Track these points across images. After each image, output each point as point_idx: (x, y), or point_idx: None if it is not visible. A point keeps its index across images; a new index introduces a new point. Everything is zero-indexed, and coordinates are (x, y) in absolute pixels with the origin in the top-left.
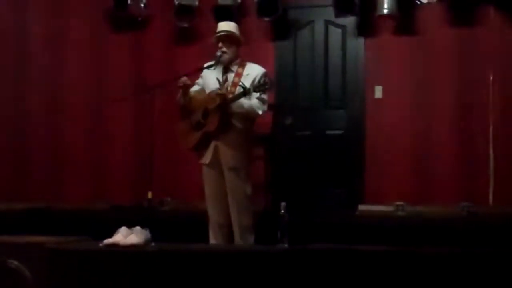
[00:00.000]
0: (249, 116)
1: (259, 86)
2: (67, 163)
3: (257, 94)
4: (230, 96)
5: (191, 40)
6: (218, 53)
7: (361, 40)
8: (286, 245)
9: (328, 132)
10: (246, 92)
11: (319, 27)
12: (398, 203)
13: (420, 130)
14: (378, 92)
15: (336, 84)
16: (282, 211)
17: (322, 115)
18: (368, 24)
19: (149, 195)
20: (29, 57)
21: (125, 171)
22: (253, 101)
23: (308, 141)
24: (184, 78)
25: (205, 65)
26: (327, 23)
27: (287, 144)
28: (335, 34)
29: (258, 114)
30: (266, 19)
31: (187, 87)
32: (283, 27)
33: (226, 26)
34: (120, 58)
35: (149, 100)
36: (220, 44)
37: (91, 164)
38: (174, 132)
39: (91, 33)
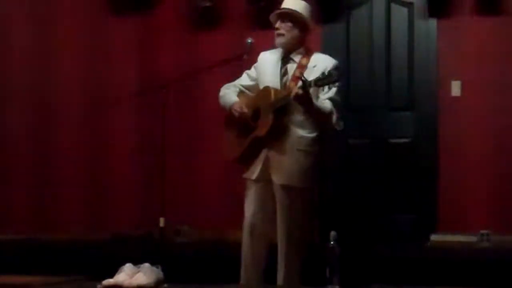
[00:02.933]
0: (320, 122)
1: (323, 79)
2: (56, 182)
3: (326, 94)
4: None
5: (215, 23)
6: (249, 40)
7: (433, 22)
8: (337, 287)
9: (391, 140)
10: (305, 86)
11: (379, 5)
12: (482, 231)
13: (510, 138)
14: (456, 89)
15: (401, 79)
16: (332, 242)
17: (384, 118)
18: (442, 2)
19: (161, 222)
20: (9, 47)
21: (130, 192)
22: (328, 104)
23: (365, 152)
24: (239, 107)
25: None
26: (390, 0)
27: (339, 156)
28: (400, 14)
29: (334, 123)
30: None
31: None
32: (333, 6)
33: (292, 3)
34: (123, 47)
35: (160, 101)
36: (277, 24)
37: (87, 183)
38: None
39: (86, 15)
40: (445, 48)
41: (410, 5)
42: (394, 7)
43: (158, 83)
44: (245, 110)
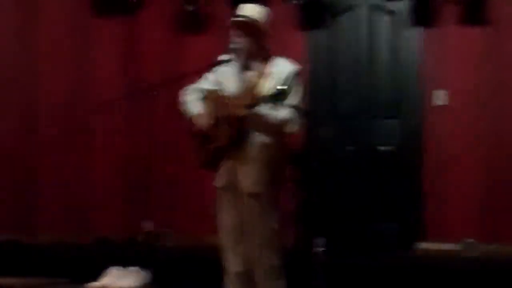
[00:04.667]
0: (280, 129)
1: (278, 95)
2: (40, 185)
3: (289, 103)
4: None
5: (199, 27)
6: (233, 45)
7: (418, 31)
8: None
9: (376, 148)
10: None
11: (363, 13)
12: (467, 240)
13: (495, 146)
14: (441, 98)
15: (386, 87)
16: (318, 249)
17: (369, 126)
18: (427, 10)
19: (146, 226)
20: None
21: (115, 196)
22: (287, 113)
23: (350, 160)
24: (201, 122)
25: (221, 58)
26: (373, 8)
27: (324, 164)
28: (384, 22)
29: (292, 132)
30: (295, 2)
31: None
32: (317, 13)
33: (248, 10)
34: (107, 50)
35: (145, 105)
36: (235, 32)
37: (72, 186)
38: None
39: (69, 18)
40: (431, 56)
41: (394, 14)
42: (378, 14)
43: (143, 88)
44: (210, 124)
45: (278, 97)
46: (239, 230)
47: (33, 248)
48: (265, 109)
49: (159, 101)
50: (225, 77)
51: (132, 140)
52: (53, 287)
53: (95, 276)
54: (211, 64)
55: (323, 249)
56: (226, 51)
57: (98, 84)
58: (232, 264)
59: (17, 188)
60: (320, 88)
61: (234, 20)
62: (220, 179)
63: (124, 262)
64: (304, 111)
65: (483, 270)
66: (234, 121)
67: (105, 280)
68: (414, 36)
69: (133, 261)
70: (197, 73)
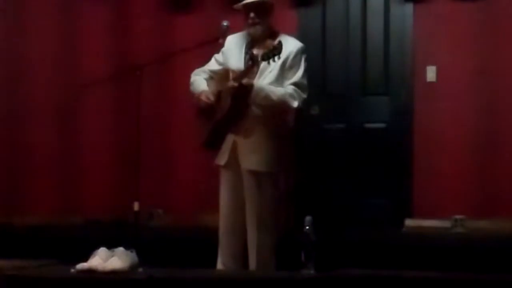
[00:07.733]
0: (280, 108)
1: (268, 53)
2: (30, 167)
3: (291, 79)
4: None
5: (190, 6)
6: (225, 23)
7: (409, 7)
8: (312, 271)
9: (366, 125)
10: (254, 61)
11: None
12: (456, 217)
13: (485, 123)
14: (431, 74)
15: (377, 64)
16: (307, 227)
17: (359, 103)
18: None
19: (135, 206)
20: None
21: (104, 177)
22: (287, 89)
23: (340, 137)
24: (206, 97)
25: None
26: None
27: (314, 141)
28: None
29: (293, 107)
30: None
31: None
32: None
33: None
34: (95, 30)
35: (134, 85)
36: (252, 15)
37: (60, 168)
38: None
39: None
40: (421, 33)
41: None
42: None
43: (132, 67)
44: (212, 99)
45: (282, 73)
46: (238, 211)
47: (22, 229)
48: (264, 83)
49: (149, 80)
50: (231, 54)
51: (121, 120)
52: (42, 269)
53: (85, 257)
54: (202, 42)
55: (312, 226)
56: (217, 29)
57: (87, 63)
58: (227, 244)
59: (6, 170)
60: (311, 66)
61: (246, 3)
62: (221, 157)
63: (114, 242)
64: (307, 87)
65: (473, 246)
66: (234, 92)
67: (92, 261)
68: (406, 12)
69: (123, 241)
70: (186, 52)
